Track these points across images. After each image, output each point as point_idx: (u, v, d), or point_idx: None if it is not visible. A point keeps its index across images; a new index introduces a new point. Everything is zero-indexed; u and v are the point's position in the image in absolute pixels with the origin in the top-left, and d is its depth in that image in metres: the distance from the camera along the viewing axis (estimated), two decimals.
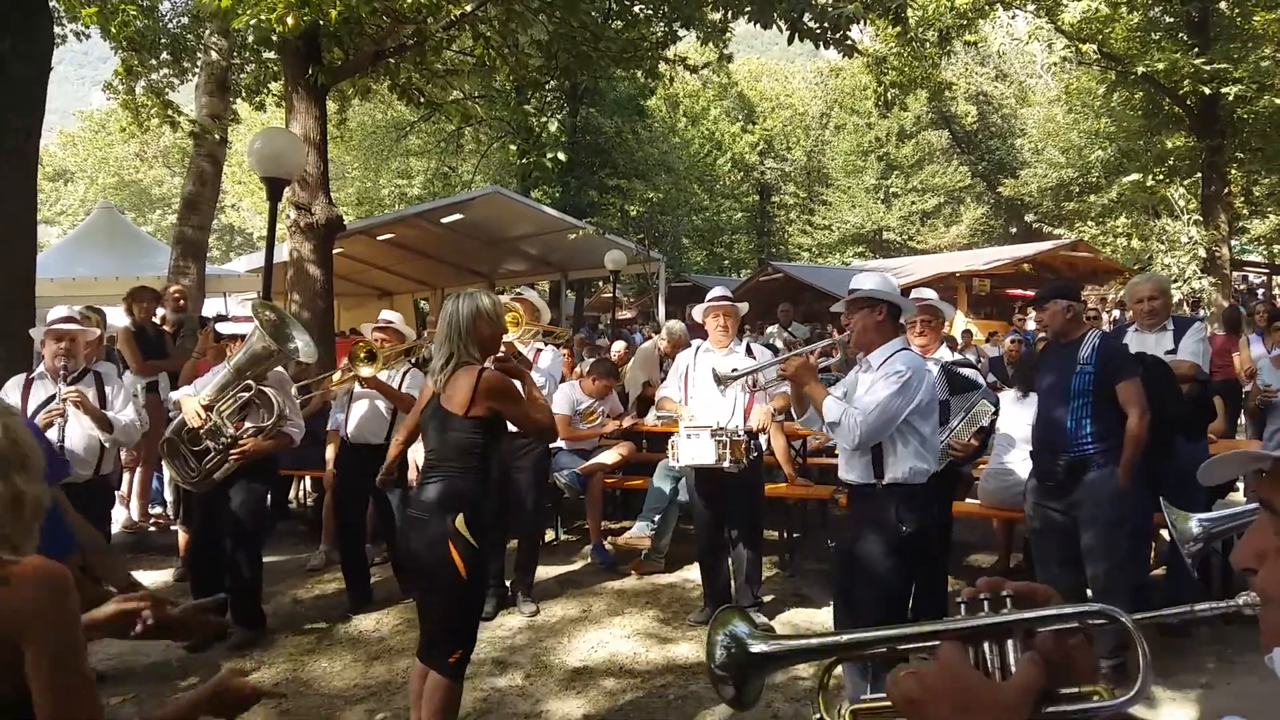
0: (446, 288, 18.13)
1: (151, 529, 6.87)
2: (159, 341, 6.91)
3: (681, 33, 9.35)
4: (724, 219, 29.86)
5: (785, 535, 6.12)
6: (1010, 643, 0.86)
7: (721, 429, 4.54)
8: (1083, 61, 17.01)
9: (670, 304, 17.05)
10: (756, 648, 0.95)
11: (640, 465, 6.76)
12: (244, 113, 13.74)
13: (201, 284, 10.64)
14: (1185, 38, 15.11)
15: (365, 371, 5.04)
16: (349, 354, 5.27)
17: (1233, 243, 17.94)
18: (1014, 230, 32.08)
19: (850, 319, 3.55)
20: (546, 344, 5.47)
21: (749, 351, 4.90)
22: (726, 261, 31.70)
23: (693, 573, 5.47)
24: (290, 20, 6.36)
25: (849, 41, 7.87)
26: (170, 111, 10.35)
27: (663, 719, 3.74)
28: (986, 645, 0.87)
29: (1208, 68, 14.01)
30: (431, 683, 3.01)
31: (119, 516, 6.48)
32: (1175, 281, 15.02)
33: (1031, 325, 10.51)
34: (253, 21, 6.60)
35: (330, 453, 5.72)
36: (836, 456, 3.88)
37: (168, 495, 6.96)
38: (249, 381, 4.54)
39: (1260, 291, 22.16)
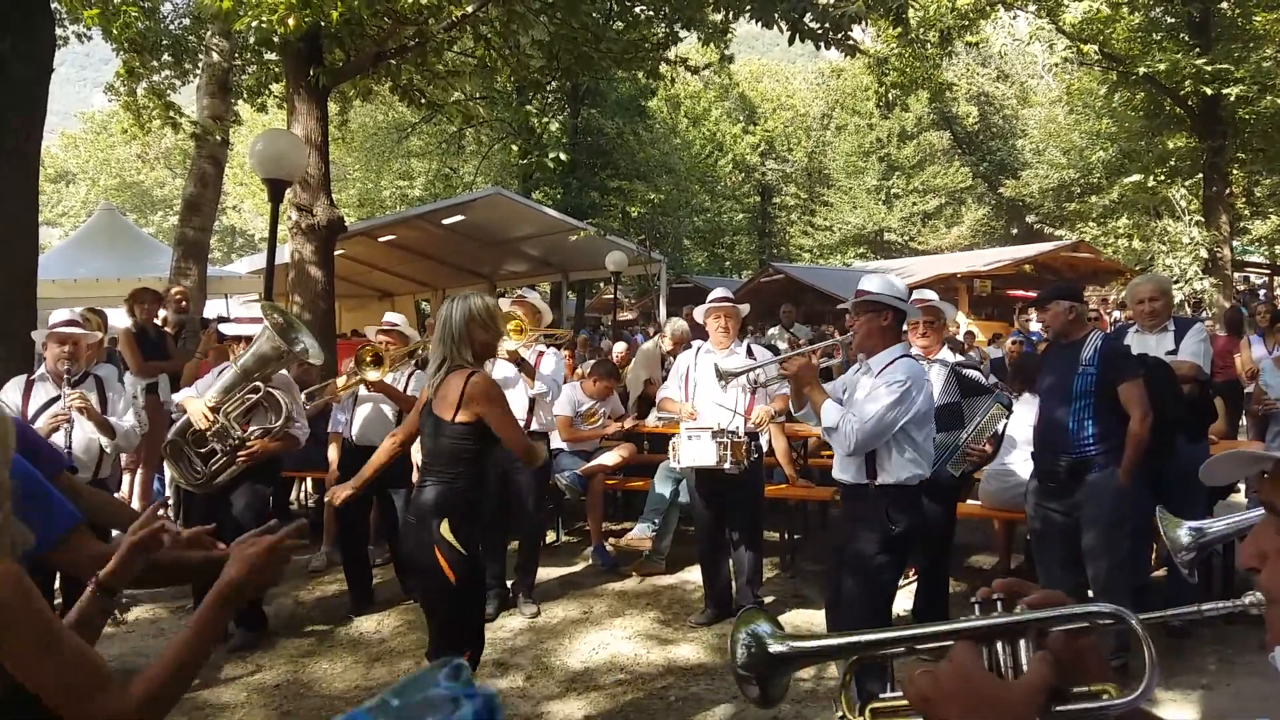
0: (448, 289, 18.13)
1: None
2: (160, 343, 6.91)
3: (683, 34, 9.35)
4: (725, 220, 29.82)
5: (786, 536, 6.12)
6: (1023, 642, 0.88)
7: (722, 430, 4.55)
8: (1084, 62, 17.00)
9: (672, 305, 17.02)
10: (777, 648, 0.98)
11: (641, 467, 6.75)
12: (245, 114, 13.79)
13: (203, 285, 10.63)
14: (1186, 38, 15.09)
15: (372, 375, 5.03)
16: (355, 358, 5.25)
17: (1234, 243, 17.92)
18: (1015, 231, 32.05)
19: (855, 320, 3.57)
20: (548, 346, 5.47)
21: (749, 352, 4.90)
22: (728, 262, 31.66)
23: (693, 574, 5.46)
24: (291, 22, 6.36)
25: (850, 42, 7.87)
26: (172, 113, 10.36)
27: None
28: (1000, 645, 0.89)
29: (1209, 68, 13.99)
30: None
31: None
32: (1176, 282, 14.99)
33: (1035, 326, 10.49)
34: (254, 23, 6.62)
35: (333, 454, 5.72)
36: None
37: (169, 497, 6.95)
38: (257, 383, 4.53)
39: (1262, 292, 22.12)
